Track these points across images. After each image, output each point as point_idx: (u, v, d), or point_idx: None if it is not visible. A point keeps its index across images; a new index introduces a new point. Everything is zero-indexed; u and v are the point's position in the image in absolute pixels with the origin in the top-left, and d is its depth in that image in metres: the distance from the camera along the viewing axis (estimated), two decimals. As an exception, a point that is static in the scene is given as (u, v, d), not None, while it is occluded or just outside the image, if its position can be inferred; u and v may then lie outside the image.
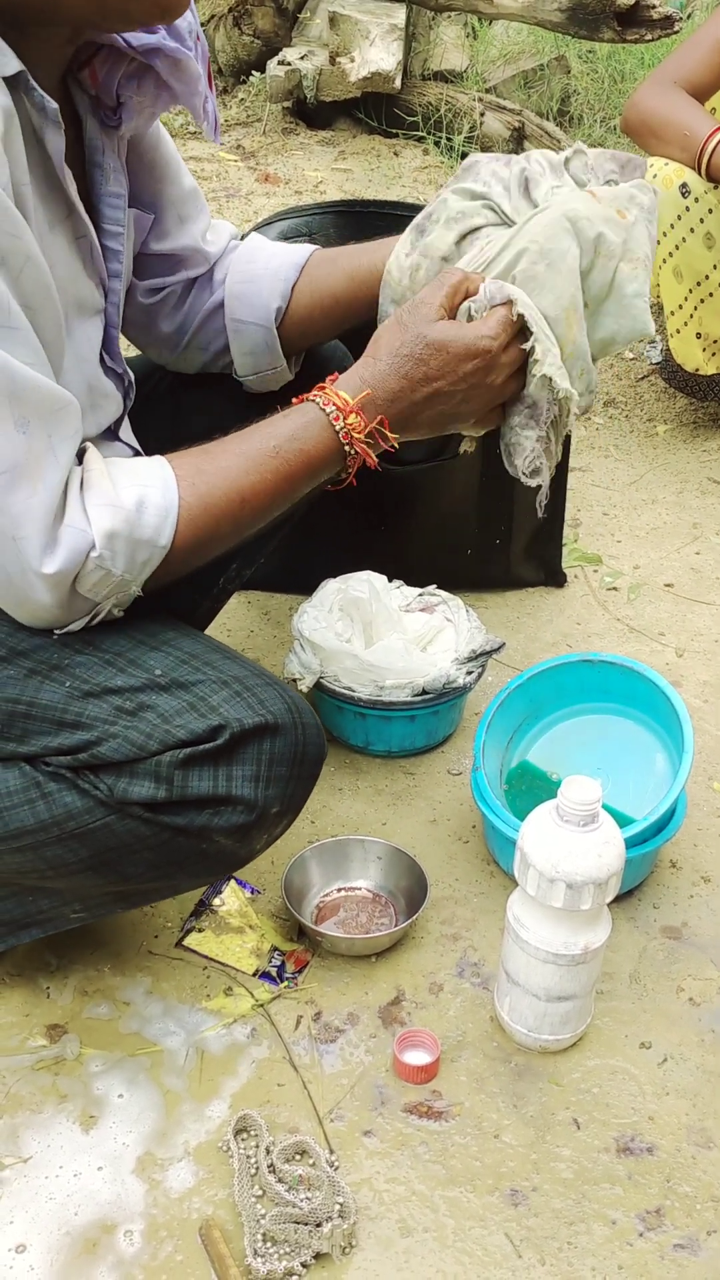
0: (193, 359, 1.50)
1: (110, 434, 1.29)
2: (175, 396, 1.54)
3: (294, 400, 1.21)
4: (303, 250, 1.43)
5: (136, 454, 1.34)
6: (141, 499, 1.09)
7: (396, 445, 1.22)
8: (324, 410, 1.17)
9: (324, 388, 1.19)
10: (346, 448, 1.18)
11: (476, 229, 1.28)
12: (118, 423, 1.30)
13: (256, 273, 1.42)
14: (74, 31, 1.08)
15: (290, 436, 1.16)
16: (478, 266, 1.26)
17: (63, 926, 1.28)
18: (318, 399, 1.18)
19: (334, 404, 1.17)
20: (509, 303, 1.20)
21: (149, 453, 1.21)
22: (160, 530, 1.10)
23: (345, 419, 1.17)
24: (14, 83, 0.99)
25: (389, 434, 1.20)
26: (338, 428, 1.17)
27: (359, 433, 1.18)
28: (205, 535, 1.13)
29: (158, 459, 1.14)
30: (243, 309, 1.42)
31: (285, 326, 1.43)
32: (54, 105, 1.03)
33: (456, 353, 1.18)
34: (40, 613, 1.11)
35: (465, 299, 1.22)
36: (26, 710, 1.12)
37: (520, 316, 1.20)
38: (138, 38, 1.13)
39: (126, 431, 1.32)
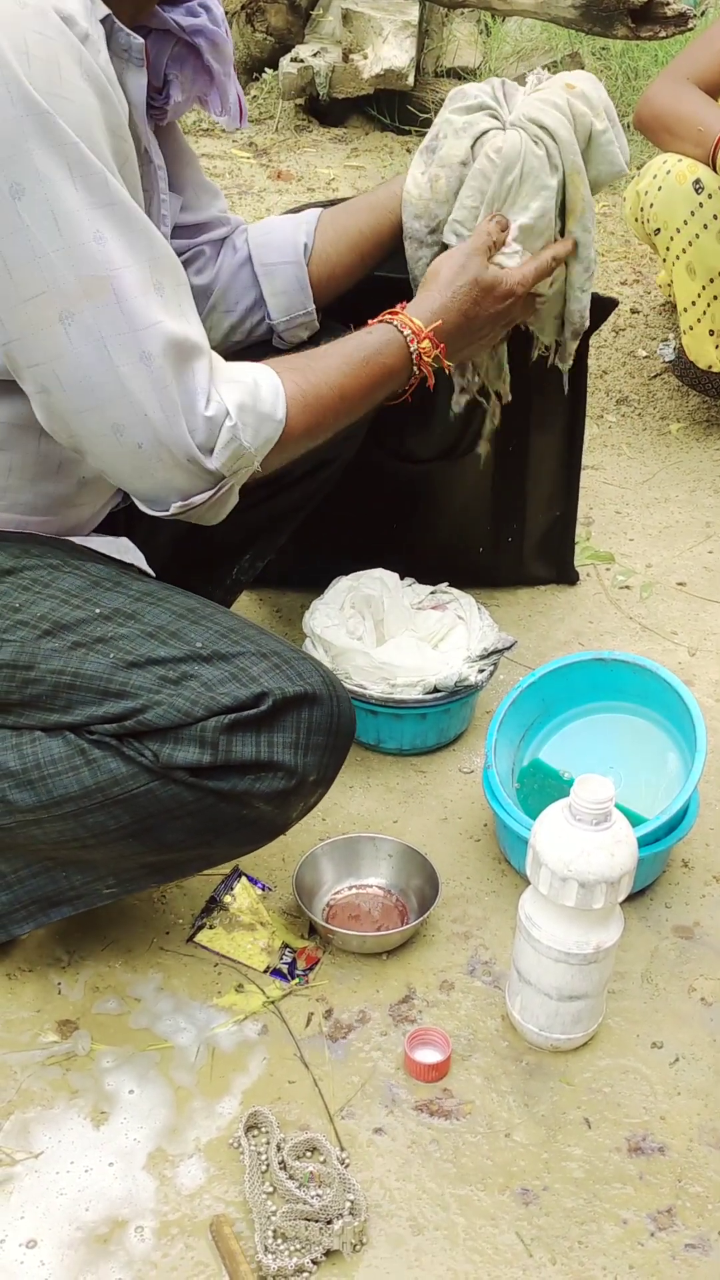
0: (216, 325, 1.53)
1: None
2: None
3: (369, 321, 1.36)
4: (320, 208, 1.55)
5: None
6: (254, 378, 1.20)
7: (449, 369, 1.40)
8: (402, 333, 1.33)
9: (398, 312, 1.35)
10: (415, 369, 1.35)
11: (484, 133, 1.44)
12: None
13: (278, 224, 1.53)
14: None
15: (376, 350, 1.31)
16: (493, 175, 1.42)
17: (94, 903, 1.29)
18: (394, 322, 1.34)
19: (410, 329, 1.34)
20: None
21: None
22: (275, 406, 1.20)
23: (419, 343, 1.34)
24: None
25: (445, 361, 1.38)
26: (412, 350, 1.34)
27: (428, 356, 1.35)
28: (312, 420, 1.25)
29: (251, 363, 1.25)
30: (270, 253, 1.51)
31: (314, 263, 1.51)
32: (139, 41, 1.11)
33: (500, 294, 1.40)
34: (175, 483, 1.16)
35: (498, 249, 1.43)
36: (71, 681, 1.16)
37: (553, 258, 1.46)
38: (185, 19, 1.22)
39: None
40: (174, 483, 1.16)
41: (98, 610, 1.19)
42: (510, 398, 1.70)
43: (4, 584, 1.21)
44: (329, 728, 1.18)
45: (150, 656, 1.16)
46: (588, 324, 1.62)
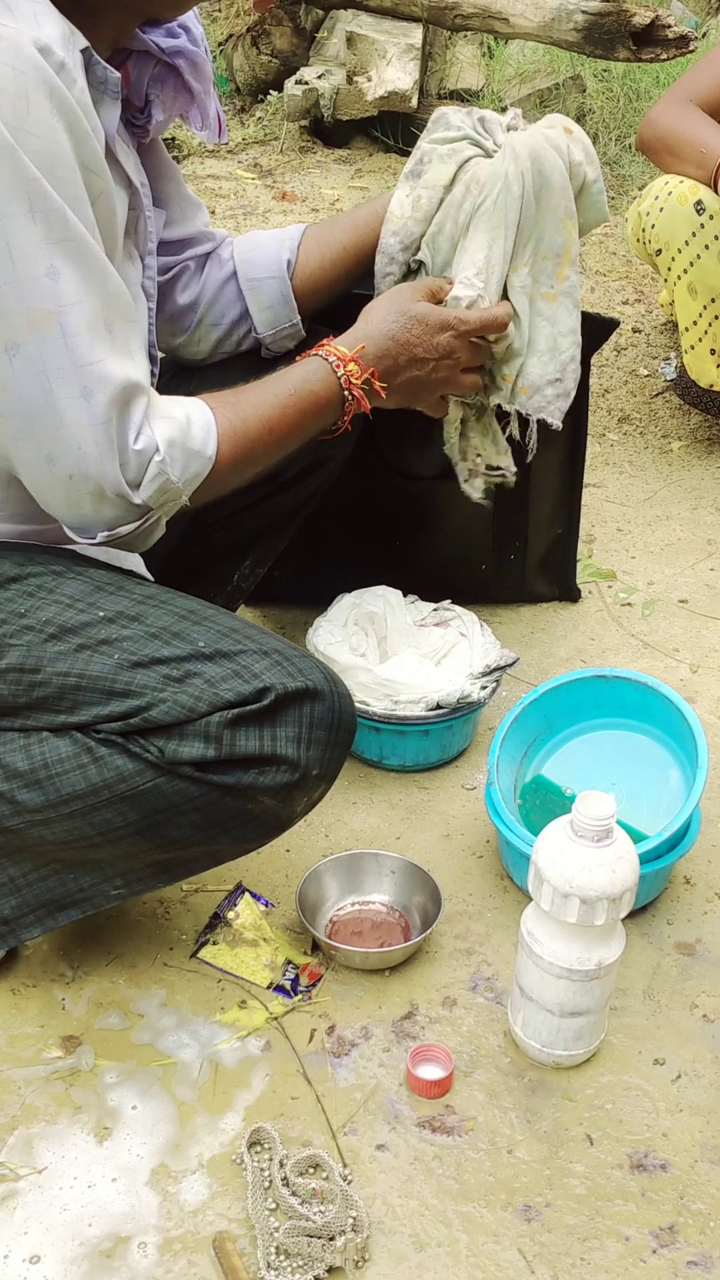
0: (205, 337, 1.57)
1: None
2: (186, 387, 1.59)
3: (299, 356, 1.40)
4: (304, 225, 1.59)
5: None
6: (188, 415, 1.22)
7: (384, 395, 1.43)
8: (327, 360, 1.37)
9: (324, 344, 1.39)
10: (345, 393, 1.38)
11: (468, 159, 1.48)
12: None
13: (263, 240, 1.56)
14: (125, 20, 1.19)
15: (303, 379, 1.35)
16: (478, 199, 1.47)
17: (102, 905, 1.30)
18: (319, 352, 1.38)
19: (335, 355, 1.38)
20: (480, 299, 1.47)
21: None
22: (206, 442, 1.23)
23: (345, 366, 1.37)
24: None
25: (377, 384, 1.41)
26: (339, 374, 1.37)
27: (356, 379, 1.38)
28: (242, 456, 1.27)
29: (188, 398, 1.27)
30: (255, 269, 1.54)
31: (297, 278, 1.55)
32: (116, 75, 1.14)
33: (432, 325, 1.43)
34: (103, 514, 1.18)
35: (441, 298, 1.47)
36: (77, 682, 1.18)
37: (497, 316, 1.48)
38: (165, 40, 1.25)
39: None
40: (101, 514, 1.18)
41: (101, 613, 1.21)
42: (515, 474, 1.67)
43: (9, 590, 1.23)
44: (330, 723, 1.21)
45: (154, 656, 1.18)
46: (573, 385, 1.58)
